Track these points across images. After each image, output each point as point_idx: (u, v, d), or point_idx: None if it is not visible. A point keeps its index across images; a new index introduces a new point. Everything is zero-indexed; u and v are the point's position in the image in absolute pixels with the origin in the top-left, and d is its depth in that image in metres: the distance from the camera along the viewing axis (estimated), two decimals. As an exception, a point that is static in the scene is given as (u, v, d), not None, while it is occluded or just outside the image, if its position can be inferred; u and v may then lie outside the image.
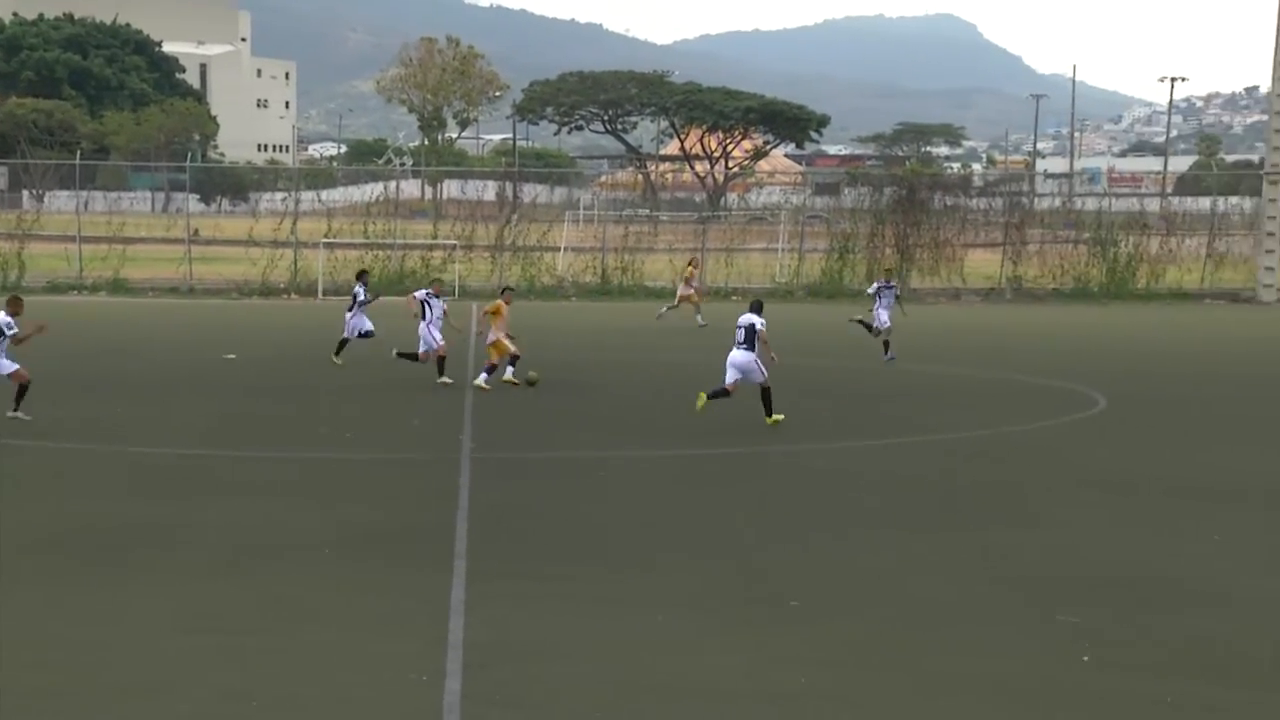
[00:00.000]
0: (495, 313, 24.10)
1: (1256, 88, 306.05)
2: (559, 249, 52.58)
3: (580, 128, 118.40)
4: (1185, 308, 45.71)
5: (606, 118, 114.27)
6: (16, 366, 19.59)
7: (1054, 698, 9.35)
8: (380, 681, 9.41)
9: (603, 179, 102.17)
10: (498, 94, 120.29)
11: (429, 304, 24.62)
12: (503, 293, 25.45)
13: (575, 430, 20.25)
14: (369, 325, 26.72)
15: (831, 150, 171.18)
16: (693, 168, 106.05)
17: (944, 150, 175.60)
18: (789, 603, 11.46)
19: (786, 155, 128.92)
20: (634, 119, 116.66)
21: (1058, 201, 77.57)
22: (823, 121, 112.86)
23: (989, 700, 9.32)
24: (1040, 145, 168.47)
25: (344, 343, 26.77)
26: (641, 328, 36.00)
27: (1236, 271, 50.71)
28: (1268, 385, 25.96)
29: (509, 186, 59.22)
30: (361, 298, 26.81)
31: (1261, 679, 9.78)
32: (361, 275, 28.07)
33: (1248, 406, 23.11)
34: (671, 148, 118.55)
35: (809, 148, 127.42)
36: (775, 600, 11.54)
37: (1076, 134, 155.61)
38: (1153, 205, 61.05)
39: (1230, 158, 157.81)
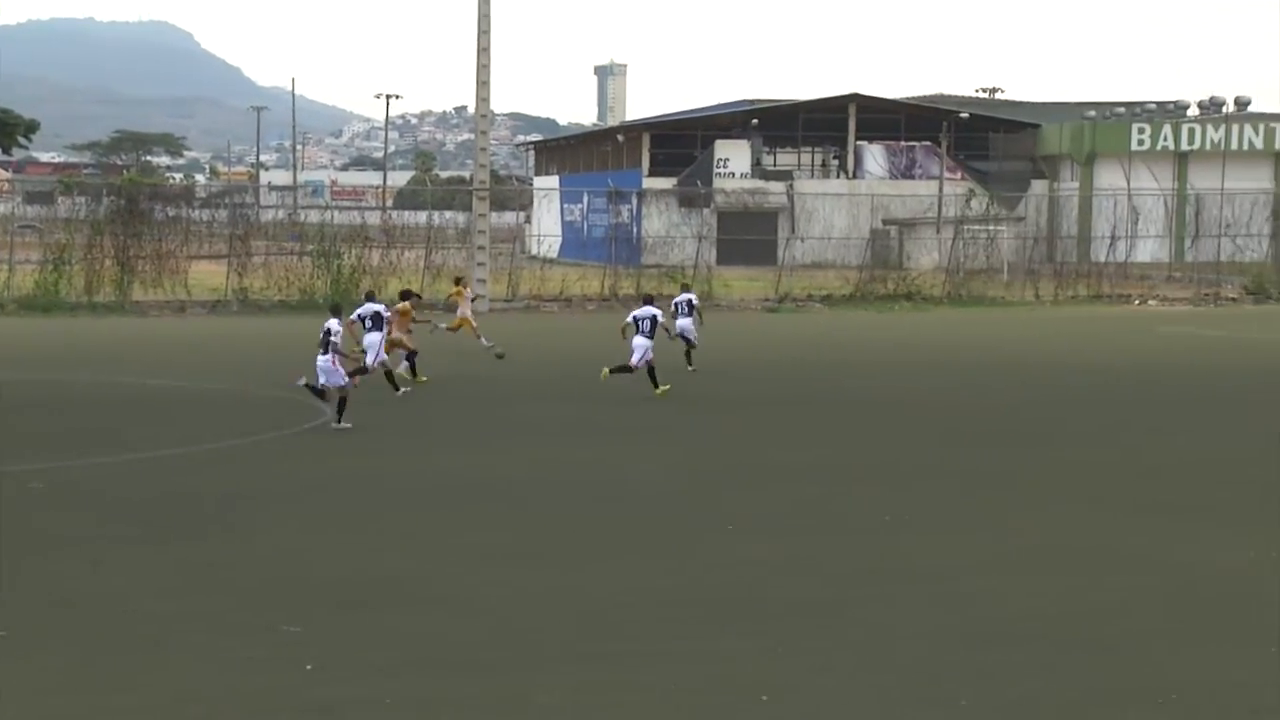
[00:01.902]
0: (405, 314, 26.59)
1: (465, 107, 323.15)
2: None
3: None
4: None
5: None
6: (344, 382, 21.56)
7: (277, 712, 9.41)
8: None
9: None
10: None
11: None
12: (408, 296, 27.89)
13: None
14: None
15: (44, 157, 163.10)
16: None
17: (165, 160, 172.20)
18: (-1, 635, 10.82)
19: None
20: None
21: (282, 213, 78.31)
22: (32, 127, 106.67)
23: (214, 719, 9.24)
24: (264, 157, 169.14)
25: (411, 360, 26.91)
26: None
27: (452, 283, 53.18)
28: (476, 387, 27.42)
29: None
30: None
31: (480, 668, 10.33)
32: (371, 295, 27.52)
33: (485, 407, 24.28)
34: None
35: (18, 154, 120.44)
36: (-17, 634, 10.85)
37: (299, 147, 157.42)
38: (374, 218, 62.84)
39: (445, 173, 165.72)
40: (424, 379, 27.01)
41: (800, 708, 9.59)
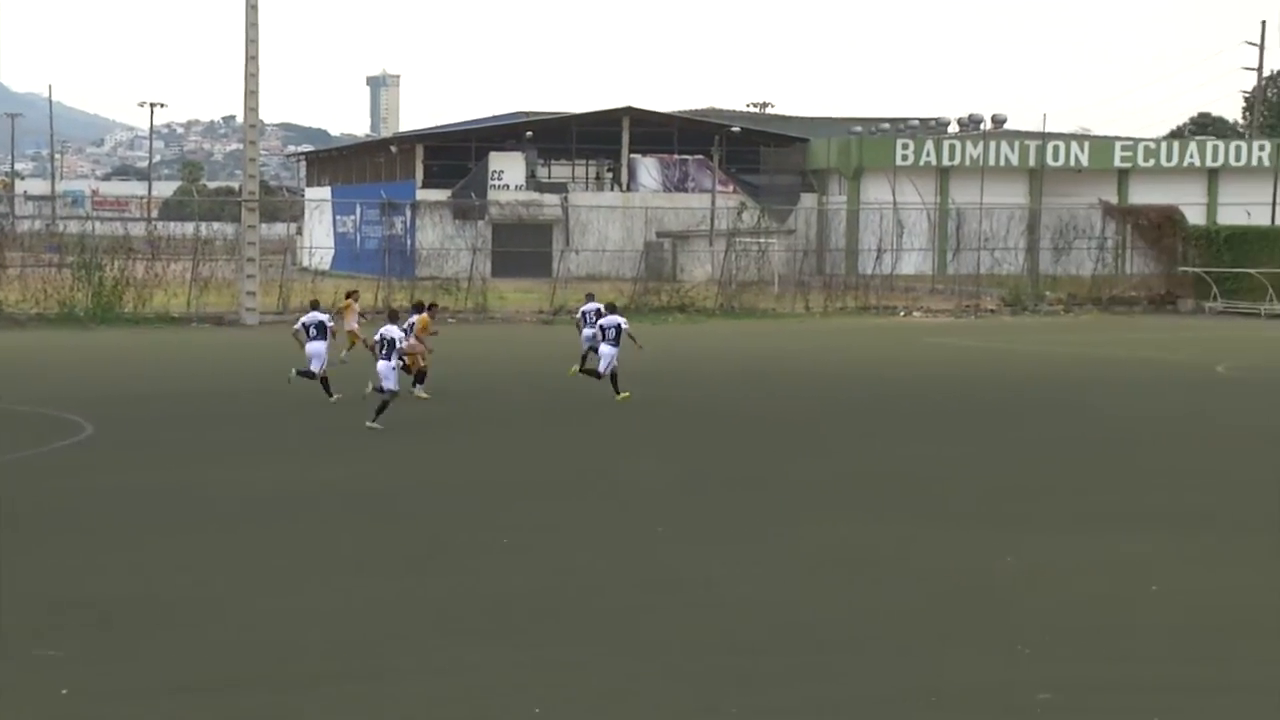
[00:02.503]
0: (424, 326, 26.72)
1: (233, 117, 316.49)
2: None
3: None
4: (173, 331, 46.27)
5: None
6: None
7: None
8: None
9: None
10: None
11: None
12: (429, 308, 28.33)
13: None
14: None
15: None
16: None
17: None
18: None
19: None
20: None
21: (40, 224, 75.57)
22: None
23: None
24: (19, 166, 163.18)
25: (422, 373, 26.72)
26: None
27: (221, 295, 52.17)
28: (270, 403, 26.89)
29: None
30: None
31: (239, 687, 10.12)
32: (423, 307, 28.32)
33: (259, 424, 23.80)
34: None
35: None
36: None
37: (57, 156, 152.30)
38: (138, 229, 61.14)
39: (213, 184, 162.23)
40: (425, 395, 26.42)
41: None
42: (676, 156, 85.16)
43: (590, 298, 31.79)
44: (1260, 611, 12.30)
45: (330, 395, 26.01)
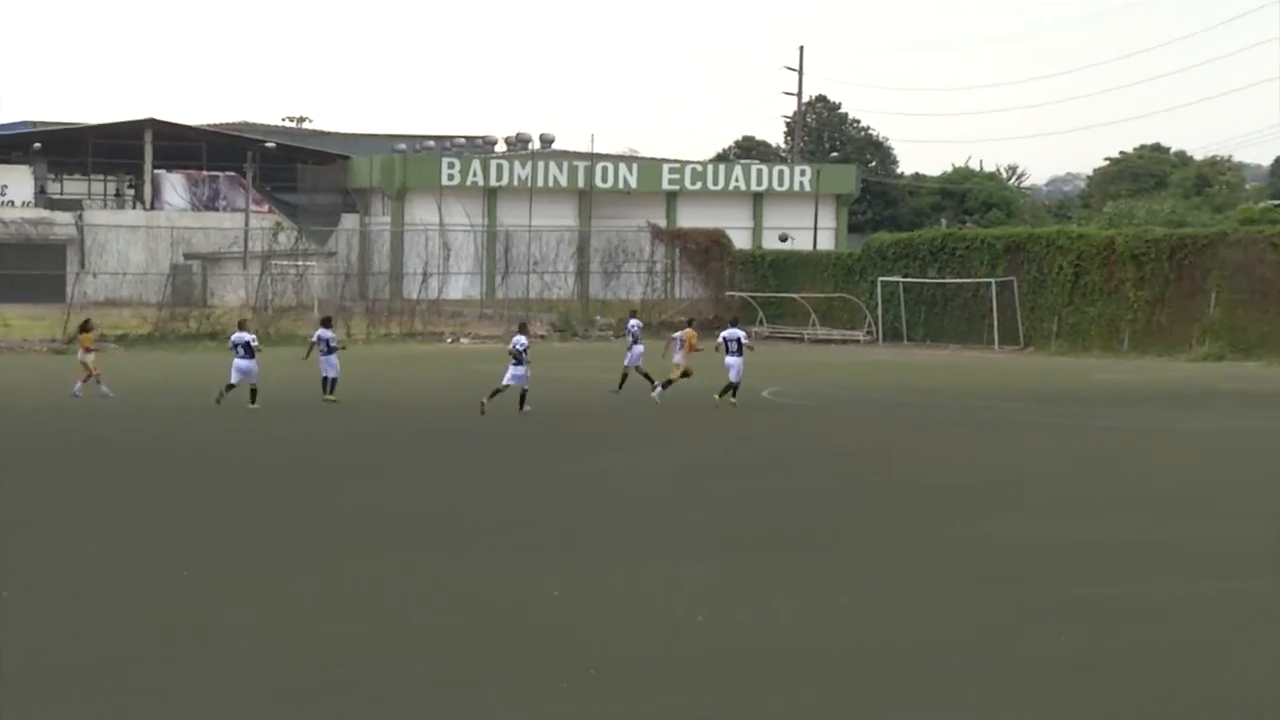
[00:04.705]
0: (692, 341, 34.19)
1: None
2: None
3: None
4: None
5: None
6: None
7: None
8: None
9: None
10: None
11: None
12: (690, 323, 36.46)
13: None
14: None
15: None
16: None
17: None
18: None
19: None
20: None
21: None
22: None
23: None
24: None
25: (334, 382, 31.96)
26: None
27: None
28: None
29: None
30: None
31: None
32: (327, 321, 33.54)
33: None
34: None
35: None
36: None
37: None
38: None
39: None
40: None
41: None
42: (206, 173, 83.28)
43: (522, 329, 32.68)
44: (811, 639, 12.92)
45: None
